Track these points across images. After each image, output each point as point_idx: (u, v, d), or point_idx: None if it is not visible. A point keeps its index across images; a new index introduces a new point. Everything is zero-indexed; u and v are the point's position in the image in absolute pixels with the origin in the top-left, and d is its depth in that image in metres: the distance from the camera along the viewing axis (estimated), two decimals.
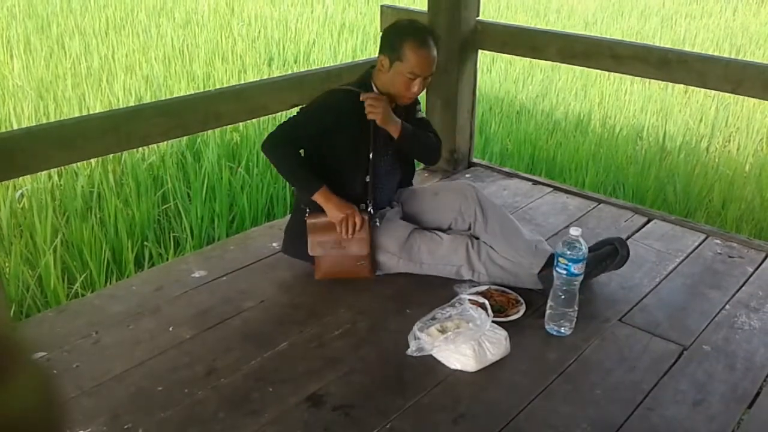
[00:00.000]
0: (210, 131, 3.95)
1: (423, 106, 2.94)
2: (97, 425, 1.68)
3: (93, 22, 7.62)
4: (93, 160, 3.63)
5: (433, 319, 2.02)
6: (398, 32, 2.22)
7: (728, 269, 2.52)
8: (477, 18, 3.10)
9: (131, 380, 1.85)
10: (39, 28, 7.23)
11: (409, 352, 1.94)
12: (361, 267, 2.27)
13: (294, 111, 2.35)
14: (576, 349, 2.03)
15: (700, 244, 2.69)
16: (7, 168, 1.93)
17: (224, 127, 3.81)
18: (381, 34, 2.33)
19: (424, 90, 2.33)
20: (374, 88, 2.28)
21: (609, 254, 2.26)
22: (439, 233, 2.33)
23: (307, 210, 2.29)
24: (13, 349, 0.44)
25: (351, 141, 2.26)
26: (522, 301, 2.20)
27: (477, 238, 2.32)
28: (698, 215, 3.81)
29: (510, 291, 2.24)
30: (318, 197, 2.21)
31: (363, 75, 2.34)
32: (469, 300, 2.07)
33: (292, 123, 2.25)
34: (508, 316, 2.12)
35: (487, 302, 2.04)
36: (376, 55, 2.28)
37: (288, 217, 2.56)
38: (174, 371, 1.88)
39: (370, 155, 2.27)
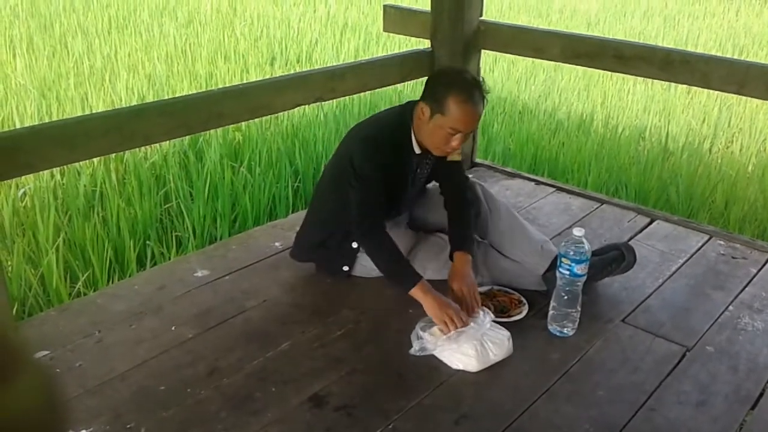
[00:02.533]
0: (212, 131, 3.95)
1: None
2: (100, 424, 1.68)
3: (96, 21, 7.63)
4: (95, 159, 3.62)
5: None
6: (444, 83, 2.05)
7: (731, 270, 2.51)
8: (480, 18, 3.09)
9: (134, 379, 1.84)
10: (42, 27, 7.23)
11: (411, 351, 1.94)
12: None
13: (297, 110, 2.34)
14: (579, 350, 2.03)
15: (703, 245, 2.68)
16: (11, 166, 1.93)
17: (227, 126, 3.80)
18: (428, 78, 2.14)
19: None
20: (412, 135, 2.15)
21: (615, 259, 2.25)
22: (444, 237, 2.32)
23: (356, 244, 2.24)
24: (14, 349, 0.44)
25: (392, 178, 2.19)
26: (525, 301, 2.19)
27: (482, 240, 2.31)
28: (701, 216, 3.81)
29: (513, 291, 2.24)
30: (416, 292, 2.03)
31: (402, 113, 2.16)
32: None
33: (362, 199, 2.10)
34: (511, 316, 2.12)
35: (489, 302, 2.04)
36: (380, 54, 2.27)
37: (291, 216, 2.55)
38: (176, 370, 1.88)
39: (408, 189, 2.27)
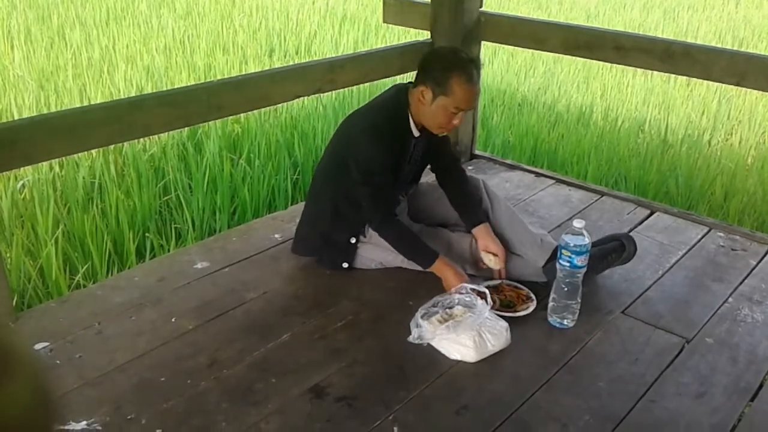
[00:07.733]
0: (211, 122, 3.94)
1: None
2: (100, 415, 1.68)
3: (94, 12, 7.60)
4: (94, 151, 3.62)
5: (435, 305, 2.02)
6: (444, 65, 2.08)
7: (731, 262, 2.52)
8: (480, 9, 3.08)
9: (134, 371, 1.85)
10: (40, 19, 7.20)
11: (410, 339, 1.95)
12: None
13: (296, 102, 2.34)
14: (579, 341, 2.03)
15: (702, 237, 2.69)
16: (9, 158, 1.92)
17: (226, 118, 3.80)
18: (421, 61, 2.16)
19: None
20: (410, 118, 2.19)
21: (614, 249, 2.25)
22: (445, 230, 2.32)
23: (354, 239, 2.28)
24: (7, 349, 0.43)
25: (395, 162, 2.23)
26: (533, 297, 2.18)
27: None
28: (700, 208, 3.81)
29: (522, 287, 2.23)
30: (436, 267, 2.15)
31: (397, 98, 2.19)
32: (471, 289, 2.07)
33: (374, 193, 2.15)
34: (516, 311, 2.11)
35: (487, 291, 2.02)
36: (381, 45, 2.25)
37: (291, 208, 2.54)
38: (177, 362, 1.88)
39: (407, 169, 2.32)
